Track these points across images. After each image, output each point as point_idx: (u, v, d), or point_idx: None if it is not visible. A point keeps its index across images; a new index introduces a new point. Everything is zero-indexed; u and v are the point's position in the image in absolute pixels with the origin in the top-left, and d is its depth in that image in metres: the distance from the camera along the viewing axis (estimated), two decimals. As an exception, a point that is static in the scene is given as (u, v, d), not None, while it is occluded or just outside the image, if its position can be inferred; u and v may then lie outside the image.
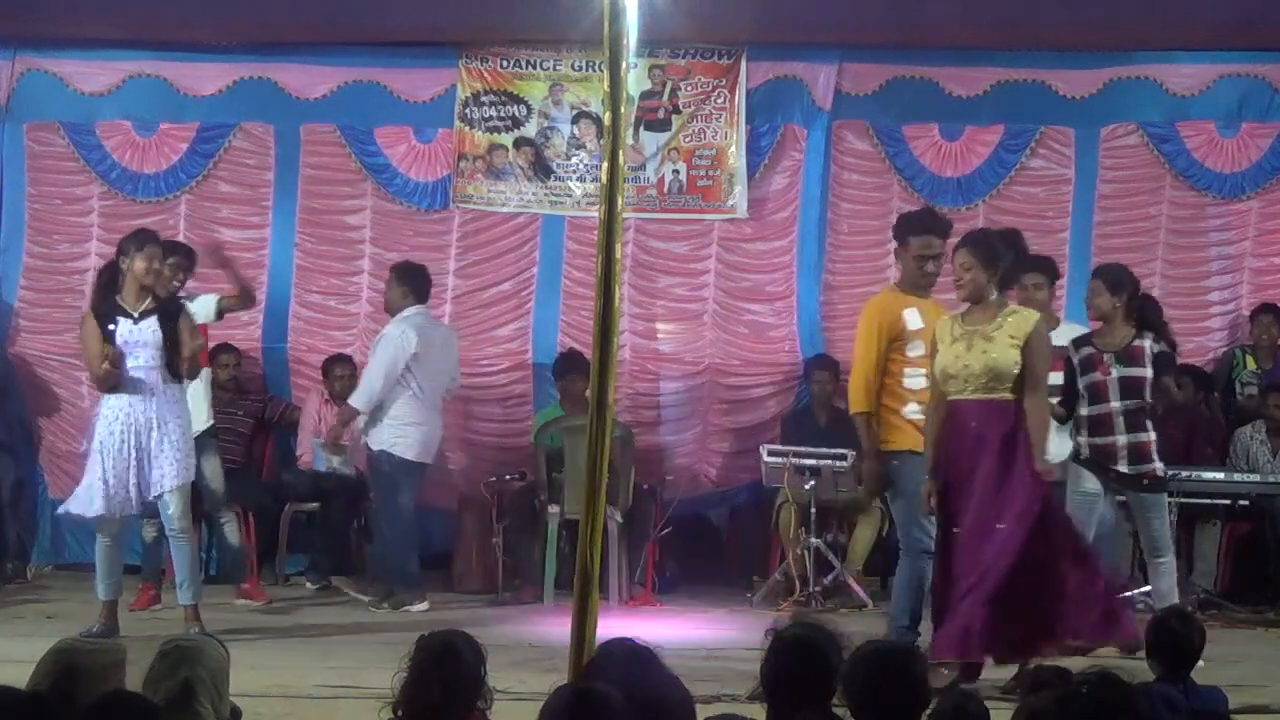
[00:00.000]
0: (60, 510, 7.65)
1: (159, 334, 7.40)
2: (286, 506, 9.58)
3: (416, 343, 8.77)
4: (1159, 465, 7.31)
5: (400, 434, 8.79)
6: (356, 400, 8.86)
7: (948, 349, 6.36)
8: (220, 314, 8.62)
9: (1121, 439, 7.27)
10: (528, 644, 7.24)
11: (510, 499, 9.41)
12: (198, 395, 8.37)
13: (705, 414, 10.33)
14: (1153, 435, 7.30)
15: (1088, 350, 7.37)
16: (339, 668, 6.56)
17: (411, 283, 9.00)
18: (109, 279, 7.54)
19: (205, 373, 8.59)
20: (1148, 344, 7.31)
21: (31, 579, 9.63)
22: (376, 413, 8.80)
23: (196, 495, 8.50)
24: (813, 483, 8.92)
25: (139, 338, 7.39)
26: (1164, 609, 5.80)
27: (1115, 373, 7.27)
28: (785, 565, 9.04)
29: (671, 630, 7.81)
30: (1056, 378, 7.65)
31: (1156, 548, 7.38)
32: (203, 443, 8.35)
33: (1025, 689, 4.18)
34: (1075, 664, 4.40)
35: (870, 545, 9.26)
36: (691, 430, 10.35)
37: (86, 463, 7.54)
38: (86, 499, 7.41)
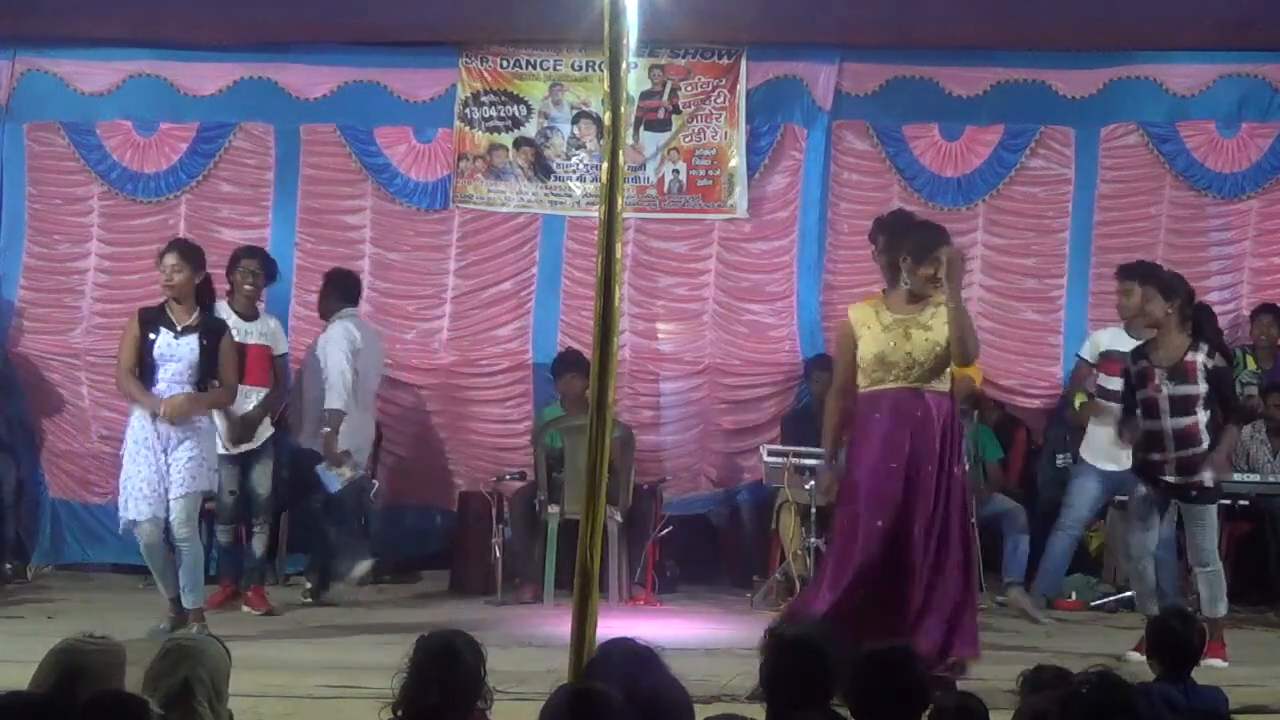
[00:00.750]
0: (122, 522, 7.68)
1: (195, 352, 7.50)
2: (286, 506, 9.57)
3: (360, 339, 9.01)
4: (1208, 476, 7.32)
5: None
6: (333, 402, 8.89)
7: (878, 336, 6.37)
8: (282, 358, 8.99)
9: (1171, 454, 7.31)
10: (528, 644, 7.24)
11: (510, 499, 9.40)
12: (261, 411, 8.70)
13: (705, 414, 10.33)
14: (1204, 448, 7.31)
15: (1143, 364, 7.40)
16: (339, 668, 6.56)
17: (342, 287, 9.30)
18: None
19: (265, 393, 8.77)
20: (1200, 358, 7.30)
21: (31, 579, 9.63)
22: (310, 411, 8.98)
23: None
24: (813, 483, 8.91)
25: (175, 352, 7.49)
26: (1164, 609, 5.80)
27: (1166, 390, 7.29)
28: (785, 565, 9.04)
29: (671, 630, 7.81)
30: (1117, 383, 7.80)
31: (1199, 559, 7.44)
32: (262, 450, 8.69)
33: (1026, 689, 4.18)
34: (1075, 664, 4.39)
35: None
36: (691, 430, 10.35)
37: (121, 469, 7.64)
38: (128, 504, 7.49)
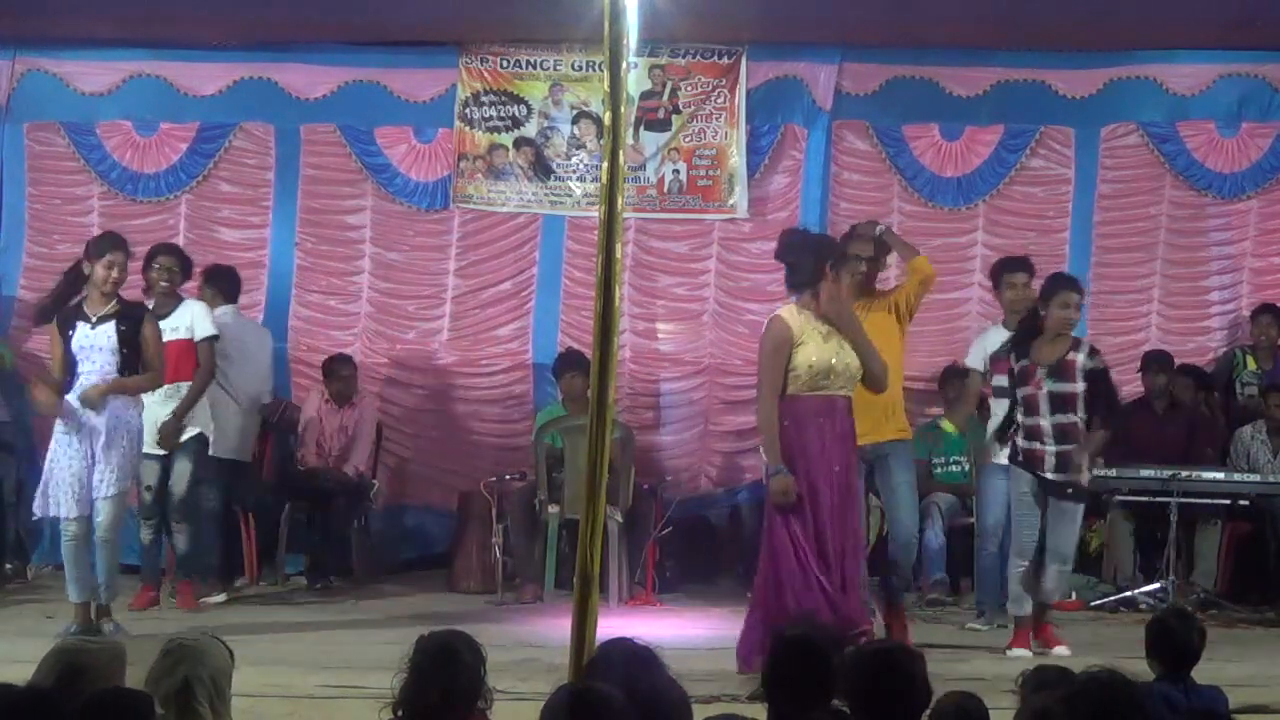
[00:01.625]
0: (34, 513, 7.69)
1: (114, 340, 7.39)
2: (286, 506, 9.57)
3: (228, 339, 8.99)
4: (1086, 476, 7.40)
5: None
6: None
7: (821, 346, 6.56)
8: (210, 340, 8.61)
9: (1050, 448, 7.36)
10: (528, 644, 7.24)
11: (510, 499, 9.40)
12: (200, 402, 8.51)
13: (705, 414, 10.33)
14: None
15: (1025, 363, 7.47)
16: (339, 668, 6.56)
17: (220, 284, 9.30)
18: (72, 280, 7.53)
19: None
20: (1080, 358, 7.38)
21: (31, 579, 9.61)
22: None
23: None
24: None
25: (93, 342, 7.38)
26: (1165, 609, 5.78)
27: (1046, 387, 7.37)
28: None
29: (671, 630, 7.81)
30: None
31: (1061, 555, 7.46)
32: (186, 446, 8.42)
33: (1026, 689, 4.18)
34: (1077, 663, 4.39)
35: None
36: (691, 430, 10.35)
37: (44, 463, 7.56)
38: (44, 499, 7.44)
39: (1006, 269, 8.56)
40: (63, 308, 7.55)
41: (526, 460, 9.68)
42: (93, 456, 7.35)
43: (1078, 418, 7.37)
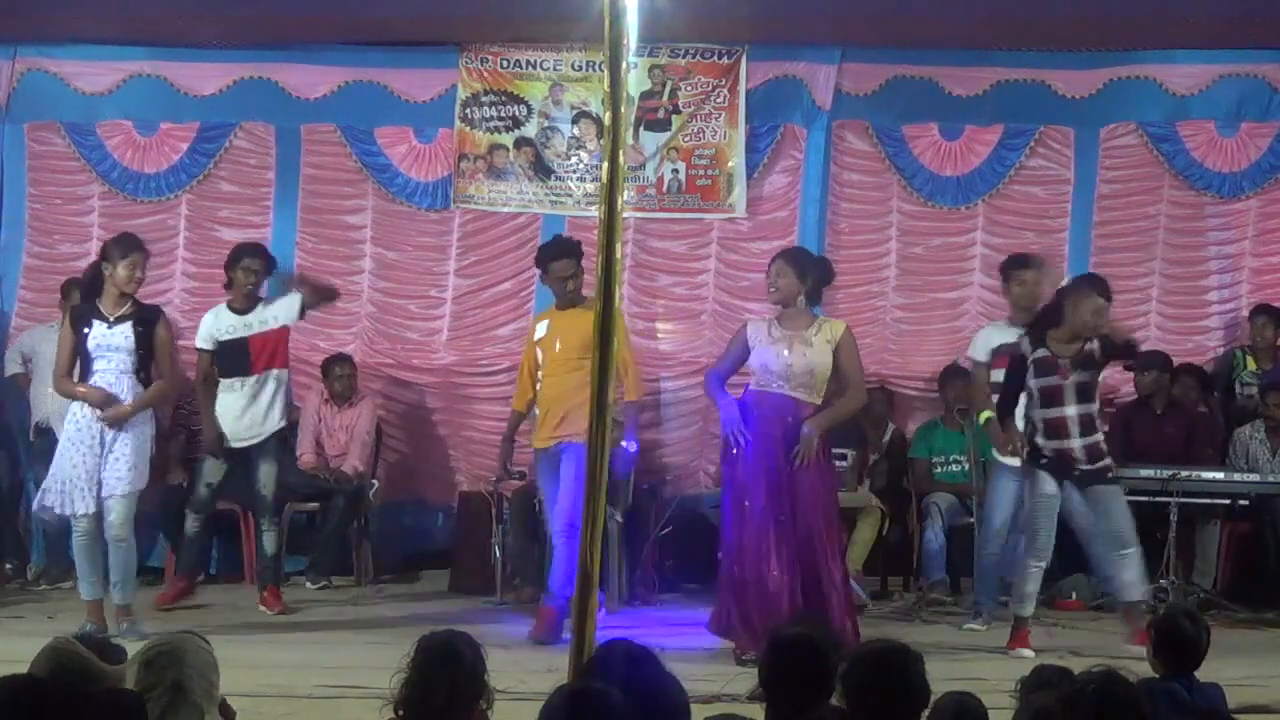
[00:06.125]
0: (34, 508, 7.74)
1: (131, 339, 7.44)
2: (286, 507, 9.56)
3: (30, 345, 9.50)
4: (1110, 461, 7.59)
5: None
6: None
7: (767, 348, 7.27)
8: (303, 312, 8.73)
9: (1077, 442, 7.46)
10: (528, 644, 7.24)
11: (510, 499, 9.40)
12: (271, 397, 8.54)
13: (705, 413, 10.31)
14: (1101, 435, 7.59)
15: (1043, 353, 7.52)
16: (339, 668, 6.56)
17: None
18: (90, 280, 7.60)
19: (282, 374, 8.65)
20: (1095, 347, 7.49)
21: (31, 579, 9.62)
22: None
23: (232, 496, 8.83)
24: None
25: (110, 342, 7.42)
26: (1173, 607, 5.77)
27: (1073, 377, 7.46)
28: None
29: (671, 630, 7.81)
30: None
31: (1123, 540, 7.52)
32: (265, 446, 8.54)
33: (1027, 688, 4.18)
34: (1079, 663, 4.39)
35: (870, 545, 9.25)
36: (691, 429, 10.34)
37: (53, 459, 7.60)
38: (57, 495, 7.45)
39: (1015, 266, 8.61)
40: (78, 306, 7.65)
41: (527, 460, 9.67)
42: (105, 454, 7.38)
43: (1094, 407, 7.53)
